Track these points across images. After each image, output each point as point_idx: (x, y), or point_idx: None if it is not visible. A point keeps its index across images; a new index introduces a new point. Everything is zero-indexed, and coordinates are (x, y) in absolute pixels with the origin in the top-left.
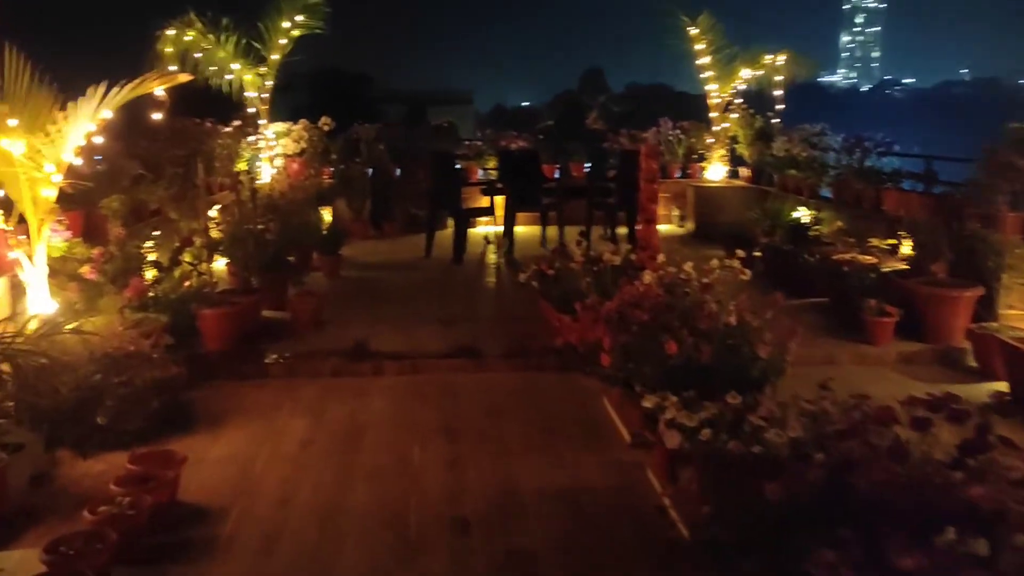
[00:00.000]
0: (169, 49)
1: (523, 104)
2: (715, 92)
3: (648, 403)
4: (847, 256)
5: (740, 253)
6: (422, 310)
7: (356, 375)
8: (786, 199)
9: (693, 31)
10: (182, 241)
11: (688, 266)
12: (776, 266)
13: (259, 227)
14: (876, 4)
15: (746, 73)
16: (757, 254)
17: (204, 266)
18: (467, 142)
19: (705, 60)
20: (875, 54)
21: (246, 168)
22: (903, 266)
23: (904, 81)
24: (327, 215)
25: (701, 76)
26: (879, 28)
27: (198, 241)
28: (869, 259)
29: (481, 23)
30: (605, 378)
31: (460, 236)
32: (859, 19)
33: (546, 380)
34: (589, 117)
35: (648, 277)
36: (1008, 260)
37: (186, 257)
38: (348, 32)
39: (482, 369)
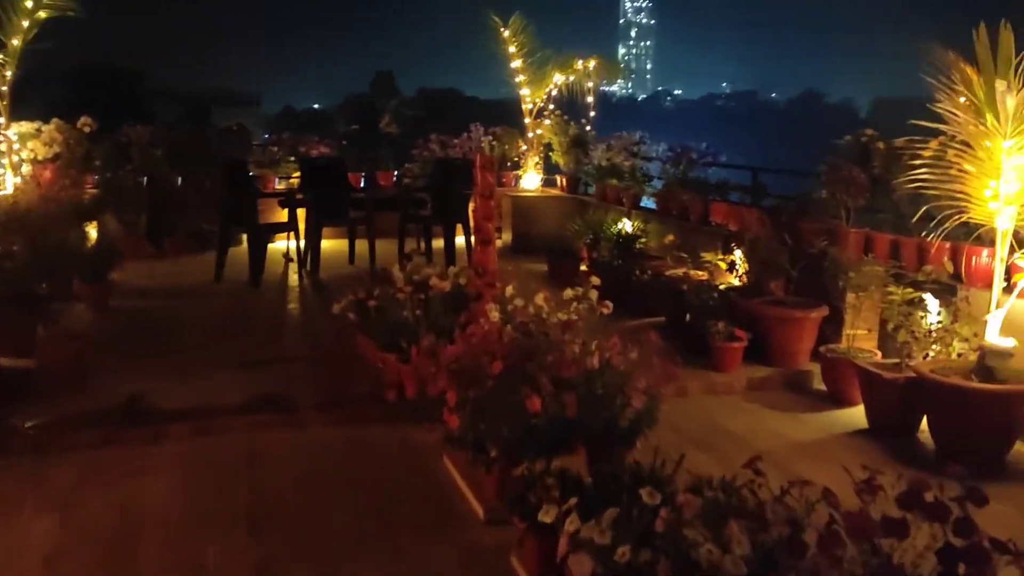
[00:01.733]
0: None
1: (314, 107)
2: (528, 97)
3: (547, 517)
4: (680, 272)
5: (595, 281)
6: (215, 350)
7: (129, 444)
8: (607, 210)
9: (505, 33)
10: None
11: (540, 298)
12: (605, 283)
13: None
14: (647, 20)
15: (558, 78)
16: (584, 269)
17: None
18: (260, 147)
19: (517, 63)
20: (649, 66)
21: None
22: (737, 283)
23: (674, 92)
24: (93, 231)
25: (515, 80)
26: (650, 42)
27: None
28: (702, 275)
29: (267, 21)
30: (452, 440)
31: (257, 255)
32: (633, 32)
33: (374, 436)
34: (382, 121)
35: (494, 313)
36: (854, 278)
37: None
38: (119, 24)
39: (294, 425)
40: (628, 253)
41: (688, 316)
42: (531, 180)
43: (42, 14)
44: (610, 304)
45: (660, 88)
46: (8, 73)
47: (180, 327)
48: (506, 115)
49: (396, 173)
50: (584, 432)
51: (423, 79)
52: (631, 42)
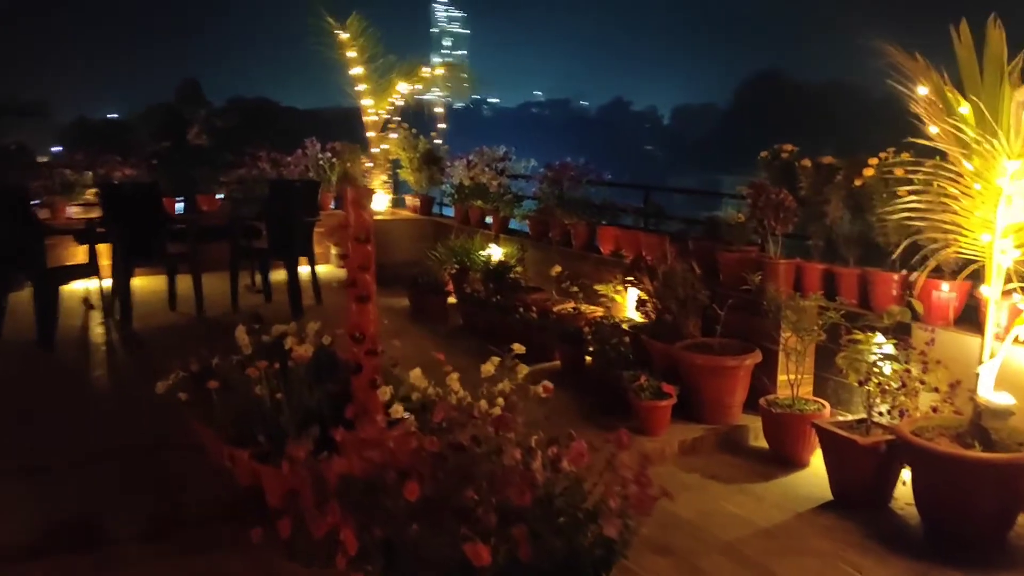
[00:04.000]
0: None
1: (110, 116)
2: (371, 108)
3: None
4: (568, 308)
5: (518, 348)
6: None
7: None
8: (471, 234)
9: (342, 36)
10: None
11: (454, 379)
12: (480, 321)
13: None
14: (461, 29)
15: (403, 87)
16: (452, 301)
17: None
18: (49, 167)
19: (358, 71)
20: (464, 75)
21: None
22: (639, 319)
23: (490, 100)
24: None
25: (355, 89)
26: (465, 51)
27: None
28: (596, 311)
29: (52, 21)
30: None
31: (46, 307)
32: (447, 42)
33: (231, 573)
34: (191, 132)
35: (398, 409)
36: (791, 317)
37: None
38: None
39: (111, 567)
40: (503, 285)
41: (590, 360)
42: (379, 201)
43: None
44: (550, 385)
45: (476, 97)
46: None
47: None
48: (332, 127)
49: (221, 196)
50: None
51: (233, 88)
52: (445, 51)
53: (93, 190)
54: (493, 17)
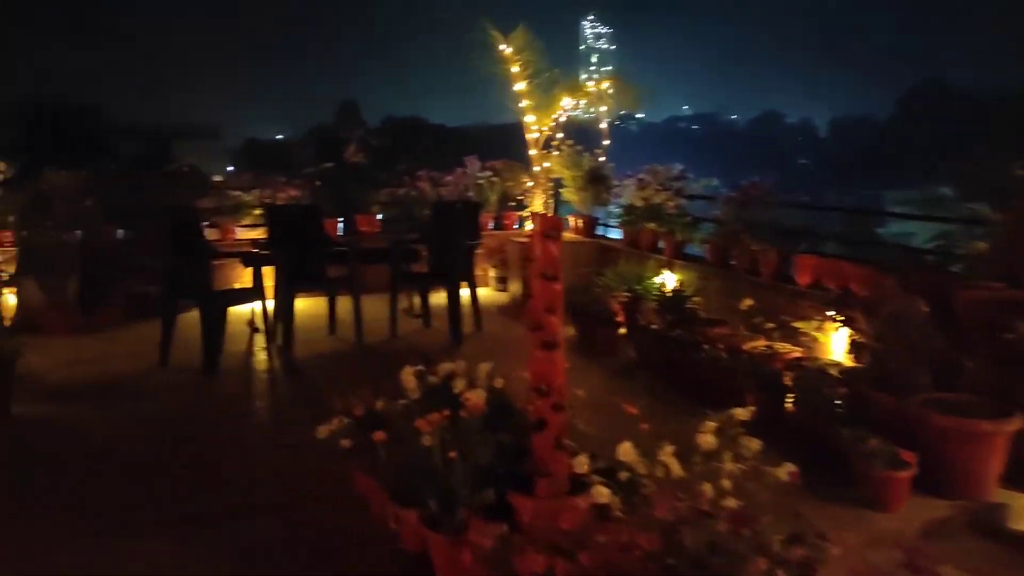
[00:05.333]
0: None
1: (277, 137)
2: (533, 125)
3: None
4: (760, 345)
5: (741, 413)
6: (142, 491)
7: None
8: (641, 258)
9: (506, 50)
10: None
11: (668, 454)
12: (654, 356)
13: None
14: (607, 46)
15: (567, 102)
16: (621, 332)
17: None
18: (219, 189)
19: (521, 86)
20: (611, 91)
21: None
22: (847, 363)
23: (636, 116)
24: (9, 301)
25: (518, 105)
26: (611, 67)
27: None
28: (795, 351)
29: (226, 49)
30: None
31: (212, 332)
32: (594, 59)
33: None
34: (347, 151)
35: (603, 492)
36: None
37: None
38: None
39: None
40: (681, 317)
41: (791, 408)
42: None
43: None
44: (795, 468)
45: (623, 112)
46: None
47: (98, 452)
48: (481, 144)
49: (380, 217)
50: None
51: (386, 108)
52: (592, 67)
53: (259, 211)
54: (638, 31)
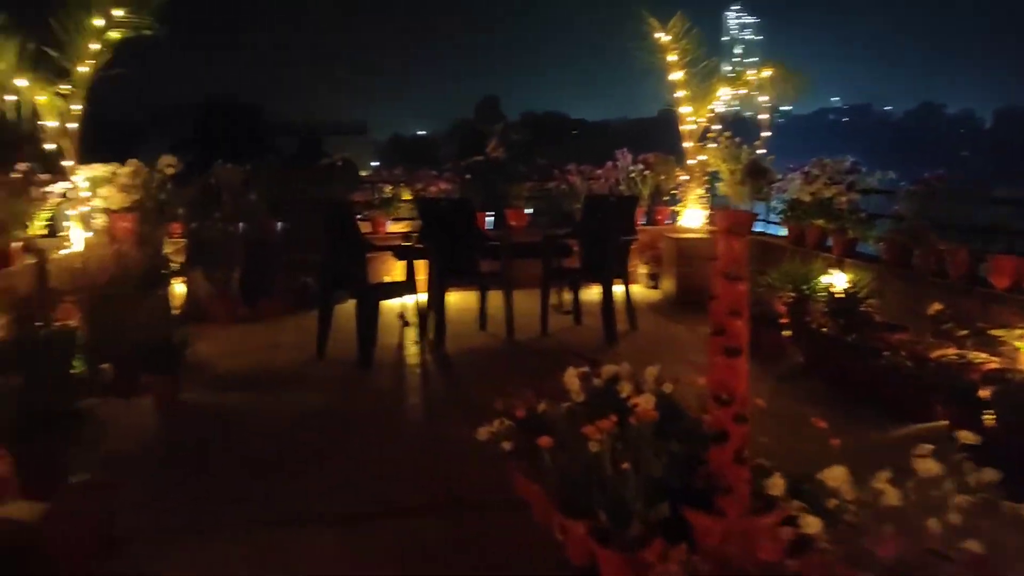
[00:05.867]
0: None
1: (420, 133)
2: (689, 116)
3: None
4: (950, 354)
5: (966, 436)
6: (303, 486)
7: None
8: (807, 256)
9: (663, 38)
10: None
11: (883, 482)
12: (824, 361)
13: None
14: (753, 36)
15: (724, 92)
16: (786, 334)
17: None
18: (370, 183)
19: (677, 76)
20: (771, 81)
21: (41, 233)
22: None
23: (783, 108)
24: (179, 291)
25: (673, 96)
26: (756, 59)
27: None
28: (992, 361)
29: (372, 49)
30: None
31: (366, 325)
32: (738, 50)
33: None
34: (488, 145)
35: (812, 523)
36: None
37: None
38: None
39: None
40: (854, 320)
41: (992, 425)
42: (693, 217)
43: (115, 34)
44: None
45: (753, 106)
46: (75, 107)
47: (263, 443)
48: (625, 136)
49: (530, 211)
50: None
51: (526, 103)
52: (736, 59)
53: (410, 205)
54: (785, 20)
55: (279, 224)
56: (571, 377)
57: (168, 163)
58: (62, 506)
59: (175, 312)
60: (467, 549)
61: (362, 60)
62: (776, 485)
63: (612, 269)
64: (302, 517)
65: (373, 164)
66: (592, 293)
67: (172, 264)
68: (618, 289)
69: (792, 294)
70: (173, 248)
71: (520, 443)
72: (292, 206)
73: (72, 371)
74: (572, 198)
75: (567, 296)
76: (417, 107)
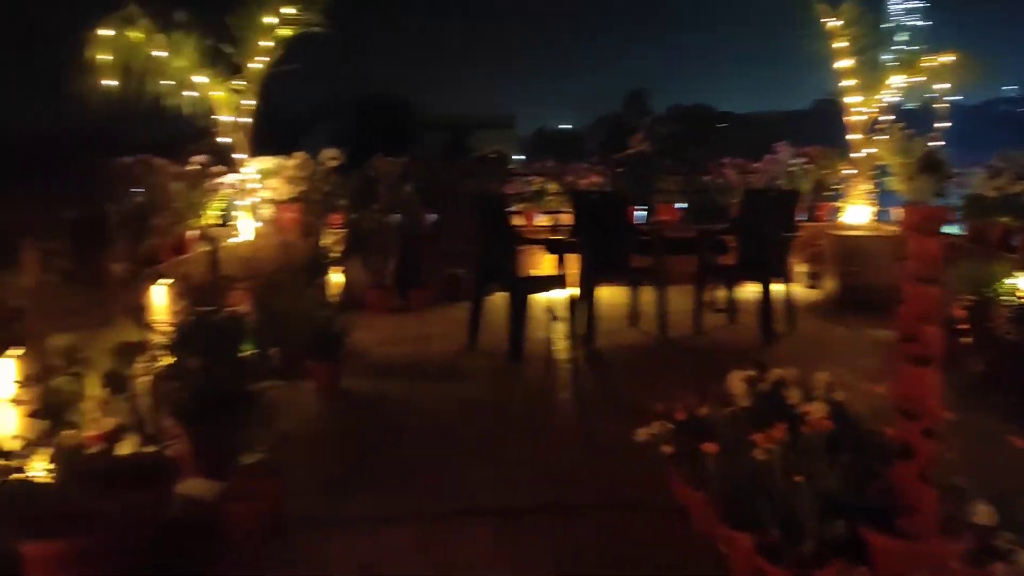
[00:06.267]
0: (105, 56)
1: (563, 127)
2: (857, 106)
3: None
4: None
5: None
6: (464, 478)
7: None
8: (989, 257)
9: (833, 24)
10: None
11: None
12: (1009, 373)
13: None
14: (918, 22)
15: (896, 81)
16: (965, 340)
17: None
18: (519, 176)
19: (845, 63)
20: (951, 68)
21: (214, 223)
22: None
23: (952, 98)
24: (337, 280)
25: (840, 85)
26: (918, 47)
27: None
28: None
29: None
30: None
31: (517, 319)
32: (900, 37)
33: None
34: (634, 139)
35: None
36: None
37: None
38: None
39: None
40: None
41: None
42: (858, 213)
43: (285, 31)
44: None
45: (929, 95)
46: (248, 102)
47: (420, 433)
48: (776, 128)
49: (682, 206)
50: None
51: (671, 96)
52: (897, 47)
53: (559, 198)
54: (954, 3)
55: (431, 216)
56: (736, 380)
57: (331, 156)
58: (236, 486)
59: (334, 300)
60: (623, 554)
61: (507, 55)
62: (983, 512)
63: (771, 266)
64: (462, 509)
65: (516, 158)
66: (746, 291)
67: (332, 253)
68: (776, 288)
69: (972, 297)
70: (332, 238)
71: (681, 447)
72: (444, 198)
73: (242, 355)
74: (727, 193)
75: (721, 293)
76: (561, 101)
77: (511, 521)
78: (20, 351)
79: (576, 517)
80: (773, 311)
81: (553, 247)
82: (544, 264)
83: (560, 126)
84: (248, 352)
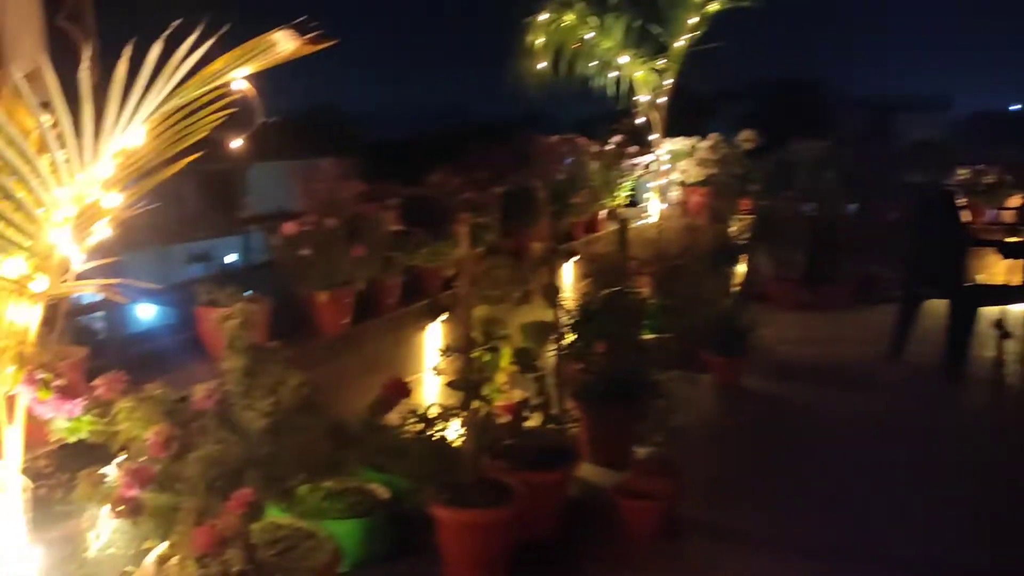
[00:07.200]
0: (540, 40)
1: (1011, 108)
2: None
3: None
4: None
5: None
6: (876, 515)
7: None
8: None
9: None
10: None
11: None
12: None
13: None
14: None
15: None
16: None
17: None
18: (967, 168)
19: None
20: None
21: (624, 203)
22: None
23: None
24: (740, 269)
25: None
26: None
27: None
28: None
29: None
30: None
31: (960, 332)
32: None
33: None
34: None
35: None
36: None
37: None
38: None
39: None
40: None
41: None
42: None
43: (714, 6)
44: None
45: None
46: (667, 82)
47: (823, 447)
48: None
49: None
50: None
51: None
52: None
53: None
54: None
55: (850, 206)
56: None
57: (746, 137)
58: (632, 481)
59: (735, 290)
60: None
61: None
62: None
63: None
64: (873, 556)
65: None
66: None
67: (739, 241)
68: None
69: None
70: (738, 224)
71: None
72: (869, 188)
73: (644, 341)
74: None
75: None
76: (1008, 78)
77: None
78: (446, 317)
79: None
80: None
81: (1009, 251)
82: (995, 270)
83: (1010, 107)
84: (649, 337)
